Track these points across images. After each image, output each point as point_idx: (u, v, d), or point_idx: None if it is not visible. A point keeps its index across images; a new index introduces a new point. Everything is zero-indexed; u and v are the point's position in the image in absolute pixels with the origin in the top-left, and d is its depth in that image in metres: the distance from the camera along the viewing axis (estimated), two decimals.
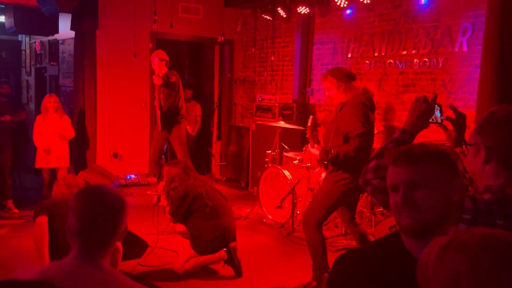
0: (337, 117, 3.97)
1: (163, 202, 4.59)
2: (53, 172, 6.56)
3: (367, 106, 3.80)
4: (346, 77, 3.92)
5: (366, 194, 5.67)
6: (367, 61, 6.70)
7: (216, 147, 8.83)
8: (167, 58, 6.85)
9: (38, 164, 6.43)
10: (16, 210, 6.52)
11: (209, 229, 4.20)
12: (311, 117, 4.07)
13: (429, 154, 1.43)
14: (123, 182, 7.56)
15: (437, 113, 2.06)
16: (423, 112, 1.95)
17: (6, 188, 6.66)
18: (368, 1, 6.25)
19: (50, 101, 6.40)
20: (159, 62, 6.73)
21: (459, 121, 2.06)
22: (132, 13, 7.63)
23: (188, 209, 4.28)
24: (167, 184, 4.44)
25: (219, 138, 8.91)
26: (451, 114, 2.09)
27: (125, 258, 4.61)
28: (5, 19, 8.20)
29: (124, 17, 7.63)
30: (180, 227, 4.55)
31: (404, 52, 6.25)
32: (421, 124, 1.96)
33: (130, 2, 7.61)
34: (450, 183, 1.42)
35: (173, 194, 4.31)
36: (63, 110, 6.59)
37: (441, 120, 2.08)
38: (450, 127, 2.10)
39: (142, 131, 8.07)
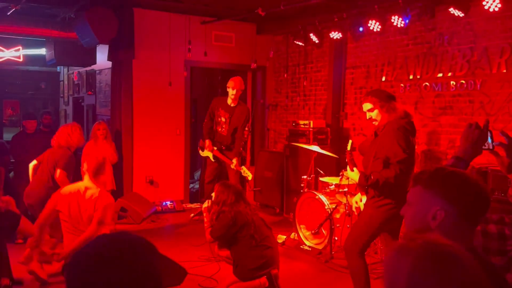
0: (377, 141, 3.92)
1: (207, 221, 4.46)
2: None
3: (408, 130, 3.75)
4: (387, 97, 3.89)
5: None
6: (402, 84, 6.65)
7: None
8: (243, 87, 6.83)
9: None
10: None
11: (253, 259, 4.15)
12: (350, 141, 4.03)
13: (422, 177, 1.62)
14: (159, 208, 7.63)
15: (488, 139, 2.02)
16: (476, 139, 1.92)
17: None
18: (402, 25, 6.24)
19: (99, 129, 6.80)
20: (237, 91, 6.68)
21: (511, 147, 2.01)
22: (167, 42, 7.82)
23: (234, 237, 4.19)
24: (215, 203, 4.33)
25: (252, 163, 8.92)
26: (502, 139, 2.05)
27: (164, 285, 4.63)
28: (46, 51, 8.52)
29: (160, 47, 7.82)
30: (225, 252, 4.48)
31: (440, 75, 6.18)
32: (475, 151, 1.92)
33: (165, 32, 7.81)
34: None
35: (221, 218, 4.20)
36: (111, 137, 6.95)
37: (493, 146, 2.03)
38: (502, 153, 2.05)
39: (177, 158, 8.17)
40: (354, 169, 3.82)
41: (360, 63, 7.35)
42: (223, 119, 6.79)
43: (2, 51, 9.68)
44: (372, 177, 3.67)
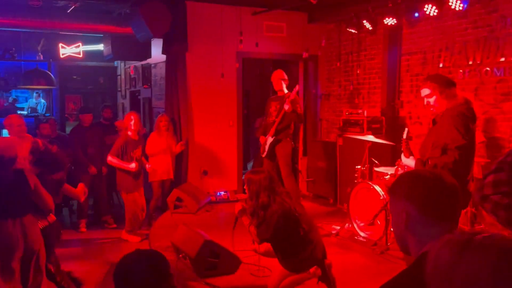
0: (435, 129, 3.79)
1: (246, 224, 4.01)
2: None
3: (467, 117, 3.59)
4: (447, 83, 3.74)
5: (465, 210, 5.36)
6: (461, 70, 6.38)
7: (302, 163, 8.80)
8: (286, 77, 6.96)
9: (151, 178, 6.95)
10: (114, 225, 7.16)
11: (300, 249, 4.00)
12: (406, 129, 3.92)
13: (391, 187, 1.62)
14: (213, 199, 7.75)
15: None
16: None
17: (104, 205, 7.28)
18: (460, 8, 5.97)
19: (162, 121, 7.09)
20: (280, 82, 6.87)
21: None
22: (219, 35, 7.89)
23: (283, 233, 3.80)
24: (250, 198, 3.89)
25: (305, 154, 8.88)
26: None
27: (219, 273, 4.71)
28: (103, 47, 8.81)
29: (212, 39, 7.90)
30: (264, 247, 4.17)
31: (502, 59, 5.88)
32: None
33: (217, 24, 7.88)
34: None
35: (267, 221, 3.77)
36: (172, 129, 7.30)
37: None
38: None
39: (230, 149, 8.25)
40: (410, 156, 3.71)
41: (416, 49, 7.11)
42: (273, 108, 6.91)
43: (64, 48, 10.12)
44: (429, 163, 3.55)
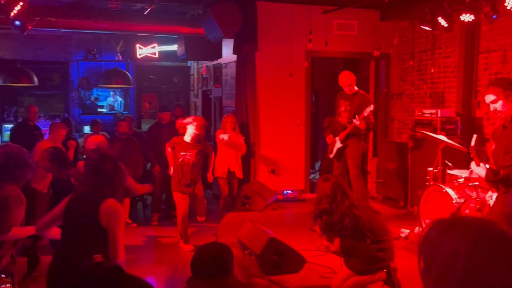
0: (505, 134, 3.59)
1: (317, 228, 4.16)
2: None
3: None
4: (511, 85, 3.55)
5: None
6: None
7: (372, 164, 8.63)
8: (354, 78, 6.73)
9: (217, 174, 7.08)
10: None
11: (369, 252, 3.98)
12: (474, 136, 3.76)
13: None
14: (280, 197, 7.80)
15: None
16: None
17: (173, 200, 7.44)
18: None
19: (228, 121, 7.15)
20: (345, 86, 6.67)
21: None
22: (289, 34, 7.91)
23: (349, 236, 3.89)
24: (314, 202, 4.04)
25: (375, 154, 8.70)
26: None
27: (283, 272, 4.74)
28: (177, 47, 9.14)
29: (281, 39, 7.94)
30: (336, 247, 4.21)
31: None
32: None
33: (286, 23, 7.91)
34: None
35: (339, 227, 3.83)
36: (238, 129, 7.30)
37: None
38: None
39: (298, 148, 8.26)
40: (481, 164, 3.55)
41: (495, 47, 6.75)
42: (343, 108, 6.75)
43: (141, 48, 10.59)
44: (501, 173, 3.38)
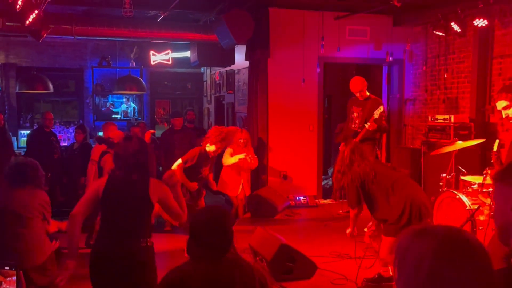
0: None
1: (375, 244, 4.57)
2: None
3: None
4: None
5: None
6: None
7: None
8: (365, 83, 6.75)
9: (220, 188, 6.87)
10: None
11: (395, 206, 4.06)
12: (497, 141, 3.74)
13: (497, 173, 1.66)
14: (292, 203, 7.78)
15: None
16: None
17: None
18: None
19: (241, 138, 6.92)
20: (357, 92, 6.72)
21: None
22: (301, 40, 7.93)
23: (361, 194, 4.28)
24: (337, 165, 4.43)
25: (388, 160, 8.65)
26: None
27: (295, 278, 4.74)
28: (190, 53, 9.20)
29: (293, 45, 7.96)
30: (369, 231, 4.56)
31: None
32: None
33: (298, 30, 7.93)
34: None
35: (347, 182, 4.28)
36: (251, 144, 7.17)
37: None
38: None
39: (310, 154, 8.24)
40: None
41: (510, 52, 6.69)
42: (355, 114, 6.75)
43: (155, 55, 10.69)
44: None
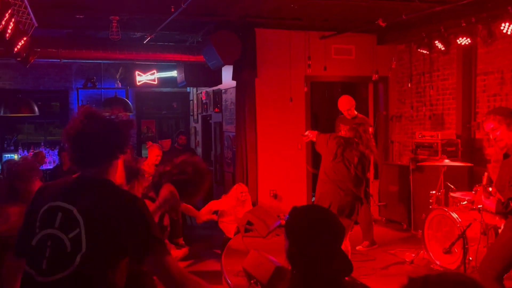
0: (508, 163, 3.62)
1: None
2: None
3: None
4: None
5: None
6: None
7: (374, 187, 8.62)
8: (353, 103, 6.85)
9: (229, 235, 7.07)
10: (187, 247, 7.22)
11: None
12: (485, 174, 3.81)
13: None
14: (283, 222, 7.75)
15: None
16: None
17: (177, 227, 7.41)
18: None
19: (243, 191, 7.13)
20: (345, 111, 6.82)
21: None
22: (288, 60, 7.99)
23: None
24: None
25: (376, 177, 8.70)
26: None
27: None
28: (177, 74, 9.20)
29: (280, 64, 8.02)
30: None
31: None
32: None
33: (285, 50, 7.99)
34: None
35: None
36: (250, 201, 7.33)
37: None
38: None
39: (299, 172, 8.26)
40: (490, 197, 3.57)
41: (492, 69, 6.83)
42: (343, 133, 6.79)
43: (140, 75, 10.66)
44: (511, 204, 3.40)
